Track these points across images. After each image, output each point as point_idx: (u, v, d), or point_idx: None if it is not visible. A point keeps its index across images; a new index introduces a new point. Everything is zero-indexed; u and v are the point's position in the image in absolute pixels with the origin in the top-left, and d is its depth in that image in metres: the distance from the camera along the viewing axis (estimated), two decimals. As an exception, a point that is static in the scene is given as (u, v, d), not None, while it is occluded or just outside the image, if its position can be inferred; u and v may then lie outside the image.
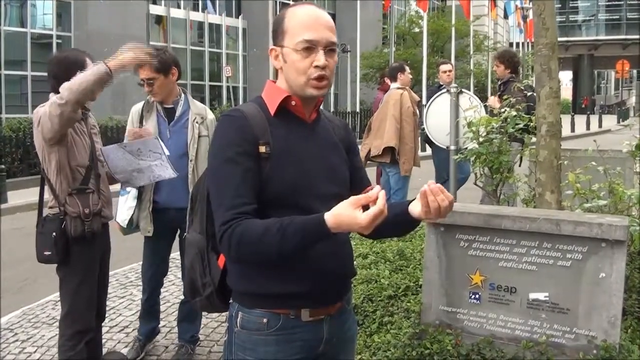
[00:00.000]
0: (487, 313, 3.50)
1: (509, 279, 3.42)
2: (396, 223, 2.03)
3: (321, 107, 2.17)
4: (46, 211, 3.61)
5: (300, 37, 1.94)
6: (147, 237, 4.33)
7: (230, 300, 2.12)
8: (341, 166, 2.13)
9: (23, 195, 12.01)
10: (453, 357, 3.39)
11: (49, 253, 3.54)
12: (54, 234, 3.52)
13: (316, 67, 1.95)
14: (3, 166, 12.47)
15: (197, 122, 4.26)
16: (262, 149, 1.93)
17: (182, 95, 4.32)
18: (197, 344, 4.57)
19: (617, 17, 66.13)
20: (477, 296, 3.52)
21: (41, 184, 3.66)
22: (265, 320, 1.99)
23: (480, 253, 3.49)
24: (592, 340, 3.22)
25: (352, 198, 1.74)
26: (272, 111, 2.02)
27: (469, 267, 3.52)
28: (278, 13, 2.13)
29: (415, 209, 1.95)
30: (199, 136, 4.24)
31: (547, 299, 3.32)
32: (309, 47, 1.94)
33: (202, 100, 30.86)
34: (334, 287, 2.07)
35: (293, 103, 2.02)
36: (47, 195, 3.66)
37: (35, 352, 4.69)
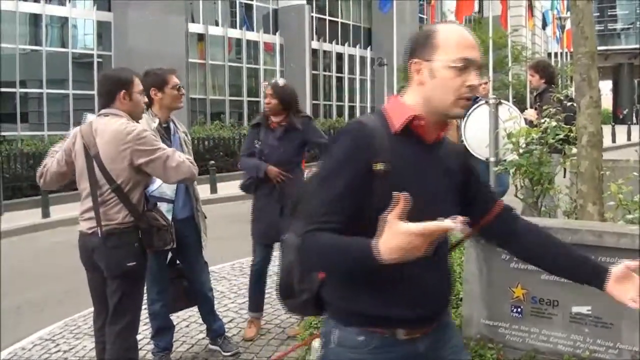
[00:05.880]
0: (529, 327, 3.45)
1: (551, 292, 3.37)
2: (574, 273, 2.07)
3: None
4: (110, 225, 3.59)
5: (459, 55, 1.89)
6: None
7: (326, 316, 2.09)
8: (453, 193, 2.06)
9: (65, 210, 12.23)
10: (495, 372, 3.35)
11: (134, 263, 3.60)
12: (136, 244, 3.62)
13: (468, 86, 1.90)
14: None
15: (185, 141, 4.55)
16: (378, 166, 1.86)
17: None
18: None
19: (657, 25, 64.99)
20: (519, 310, 3.47)
21: (95, 200, 3.61)
22: (361, 338, 1.96)
23: (522, 266, 3.45)
24: (635, 356, 3.15)
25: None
26: (395, 128, 1.95)
27: (511, 280, 3.48)
28: (422, 29, 2.07)
29: (617, 291, 1.94)
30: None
31: (590, 312, 3.27)
32: (465, 66, 1.89)
33: (240, 116, 31.27)
34: (434, 311, 2.02)
35: (421, 123, 1.95)
36: (81, 209, 3.70)
37: (77, 363, 4.77)
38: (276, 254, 5.23)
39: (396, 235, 1.64)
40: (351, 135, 1.92)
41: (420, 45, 1.97)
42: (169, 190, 4.24)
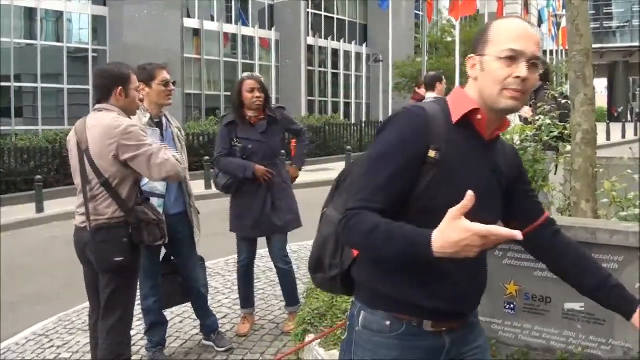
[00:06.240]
0: (522, 323, 3.46)
1: (544, 289, 3.38)
2: (604, 299, 2.05)
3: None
4: (100, 220, 3.59)
5: (506, 46, 1.85)
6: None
7: (353, 299, 2.08)
8: (499, 194, 2.02)
9: (59, 205, 12.22)
10: (487, 368, 3.35)
11: (122, 259, 3.57)
12: (125, 239, 3.59)
13: (516, 77, 1.84)
14: (40, 176, 12.70)
15: (178, 136, 4.54)
16: (432, 154, 1.84)
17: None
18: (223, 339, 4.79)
19: (653, 23, 65.09)
20: (512, 306, 3.48)
21: (85, 195, 3.62)
22: (388, 323, 1.94)
23: (515, 262, 3.46)
24: (628, 352, 3.16)
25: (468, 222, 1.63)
26: (454, 119, 1.92)
27: (504, 277, 3.49)
28: (486, 26, 2.00)
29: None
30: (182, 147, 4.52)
31: (583, 309, 3.27)
32: (513, 57, 1.84)
33: (235, 111, 31.32)
34: (464, 308, 2.00)
35: (479, 117, 1.91)
36: (76, 204, 3.71)
37: (70, 358, 4.77)
38: (263, 250, 5.24)
39: (456, 230, 1.62)
40: (410, 119, 1.89)
41: (476, 41, 1.95)
42: (160, 185, 4.24)
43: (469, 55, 1.96)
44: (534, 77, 1.87)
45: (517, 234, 1.61)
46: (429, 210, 1.80)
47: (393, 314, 1.94)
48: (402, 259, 1.78)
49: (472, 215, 1.65)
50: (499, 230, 1.62)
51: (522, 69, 1.83)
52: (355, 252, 2.04)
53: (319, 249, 2.16)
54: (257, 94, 4.80)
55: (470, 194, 1.62)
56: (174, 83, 4.43)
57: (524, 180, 2.13)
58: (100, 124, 3.57)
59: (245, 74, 5.09)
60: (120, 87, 3.65)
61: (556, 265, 2.14)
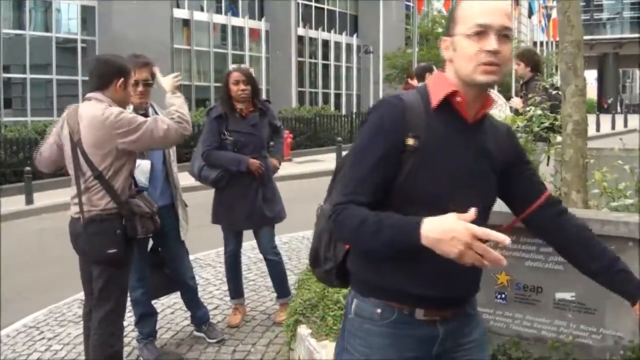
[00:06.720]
0: (513, 313, 3.47)
1: (535, 279, 3.39)
2: (609, 282, 2.03)
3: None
4: (93, 211, 3.57)
5: (472, 22, 1.83)
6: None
7: (349, 288, 2.09)
8: (487, 176, 1.97)
9: (49, 197, 12.17)
10: (478, 357, 3.36)
11: (115, 251, 3.56)
12: (118, 231, 3.57)
13: (487, 52, 1.81)
14: (29, 168, 12.63)
15: None
16: (410, 141, 1.84)
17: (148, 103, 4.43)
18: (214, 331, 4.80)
19: (643, 15, 65.29)
20: (503, 296, 3.49)
21: (78, 186, 3.60)
22: (378, 310, 1.95)
23: (506, 253, 3.45)
24: (619, 341, 3.17)
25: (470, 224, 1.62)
26: (434, 103, 1.91)
27: (495, 267, 3.49)
28: None
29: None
30: None
31: (574, 298, 3.29)
32: (481, 32, 1.82)
33: (225, 102, 31.22)
34: (454, 296, 1.98)
35: (458, 99, 1.89)
36: (71, 194, 3.69)
37: (61, 349, 4.75)
38: (254, 241, 5.22)
39: (450, 219, 1.63)
40: (388, 109, 1.89)
41: (447, 24, 1.95)
42: (142, 177, 4.19)
43: (441, 38, 1.95)
44: (506, 48, 1.85)
45: (505, 239, 1.63)
46: (410, 200, 1.82)
47: (384, 301, 1.94)
48: (391, 248, 1.79)
49: (460, 199, 1.67)
50: (489, 232, 1.63)
51: (491, 42, 1.82)
52: (348, 245, 2.05)
53: (315, 242, 2.17)
54: (242, 86, 4.76)
55: (473, 210, 1.63)
56: (148, 84, 4.31)
57: (521, 160, 2.08)
58: (90, 115, 3.55)
59: (233, 66, 5.07)
60: (122, 79, 3.64)
61: (561, 247, 2.10)
